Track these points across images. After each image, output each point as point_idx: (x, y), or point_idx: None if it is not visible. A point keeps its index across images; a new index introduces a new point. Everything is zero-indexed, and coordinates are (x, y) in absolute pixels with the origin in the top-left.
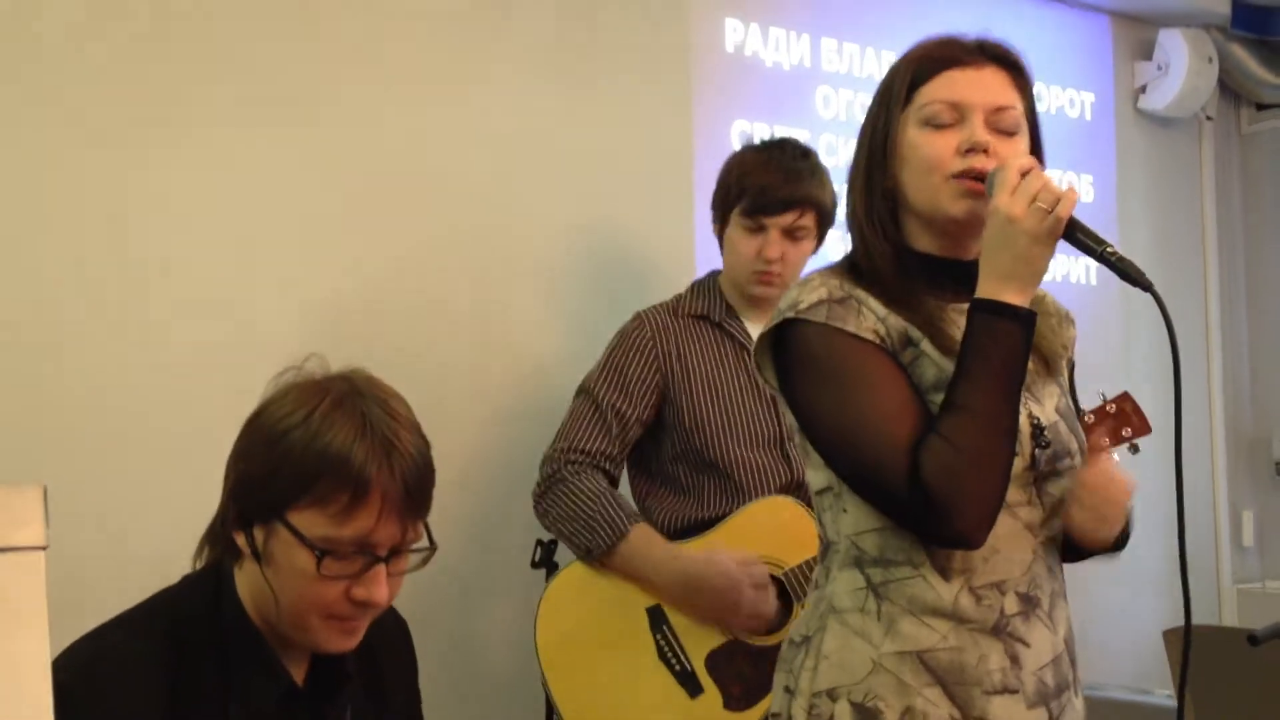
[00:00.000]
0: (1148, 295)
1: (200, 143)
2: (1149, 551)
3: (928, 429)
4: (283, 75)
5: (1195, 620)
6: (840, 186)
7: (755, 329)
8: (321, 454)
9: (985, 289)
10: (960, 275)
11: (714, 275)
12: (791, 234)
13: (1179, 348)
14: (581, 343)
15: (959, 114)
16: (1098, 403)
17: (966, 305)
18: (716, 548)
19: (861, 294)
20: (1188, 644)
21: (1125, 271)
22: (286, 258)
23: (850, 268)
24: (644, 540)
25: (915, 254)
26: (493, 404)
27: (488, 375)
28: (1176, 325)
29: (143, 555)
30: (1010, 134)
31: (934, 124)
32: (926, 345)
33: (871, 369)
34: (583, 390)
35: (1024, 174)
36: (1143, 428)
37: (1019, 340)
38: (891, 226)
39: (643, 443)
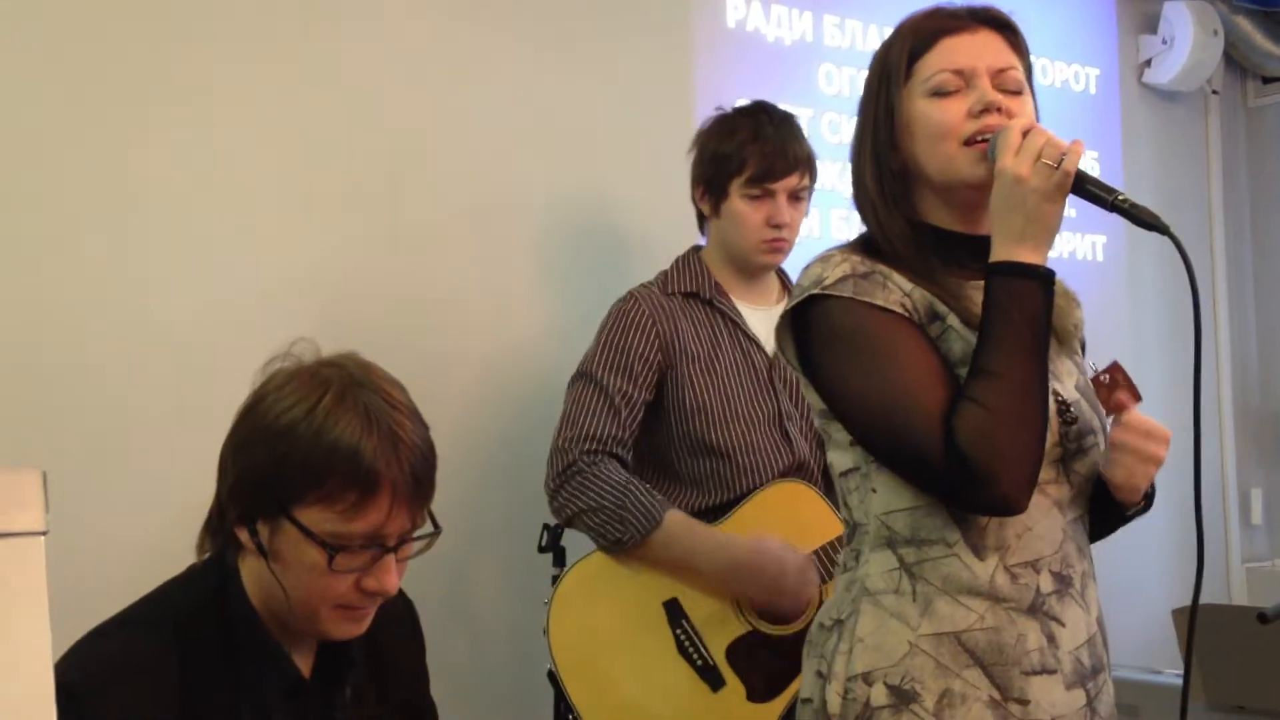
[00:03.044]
0: (1152, 270)
1: (195, 126)
2: (1156, 530)
3: (959, 396)
4: (278, 52)
5: (1205, 598)
6: (835, 166)
7: (744, 306)
8: (329, 451)
9: (1000, 252)
10: (978, 251)
11: (696, 251)
12: (795, 196)
13: (1199, 291)
14: (579, 320)
15: (964, 80)
16: (1089, 374)
17: (981, 282)
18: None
19: (885, 269)
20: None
21: (1139, 218)
22: (282, 239)
23: (866, 246)
24: (681, 527)
25: (931, 229)
26: (488, 383)
27: (484, 353)
28: (1182, 303)
29: (142, 541)
30: (1017, 93)
31: (940, 93)
32: (952, 319)
33: (899, 340)
34: (583, 375)
35: (1025, 133)
36: (1134, 396)
37: (1040, 298)
38: (906, 204)
39: None
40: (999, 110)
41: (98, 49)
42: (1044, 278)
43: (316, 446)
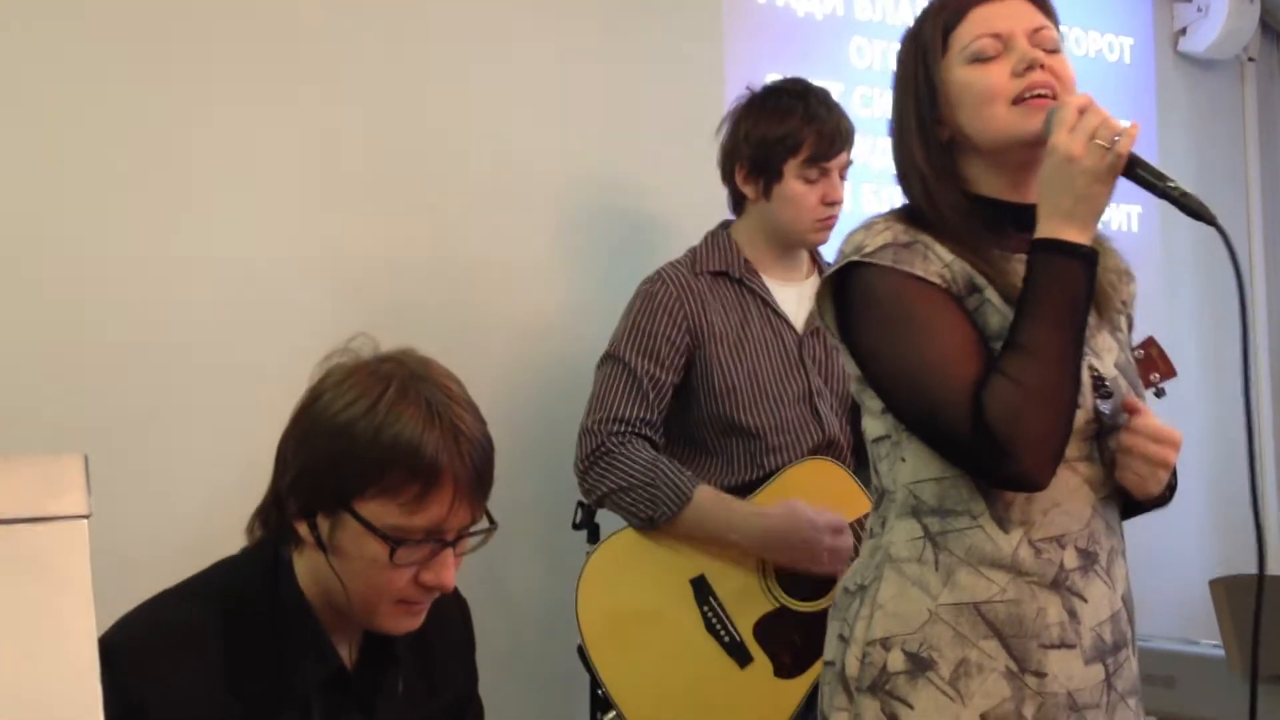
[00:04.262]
0: (1188, 242)
1: (229, 111)
2: (1194, 501)
3: (990, 369)
4: (311, 34)
5: (1244, 569)
6: (866, 140)
7: (774, 283)
8: (391, 445)
9: (1046, 229)
10: (1026, 221)
11: (725, 227)
12: (842, 173)
13: (1245, 284)
14: (610, 297)
15: (1003, 44)
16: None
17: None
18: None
19: (928, 239)
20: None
21: (1189, 207)
22: (315, 222)
23: (910, 215)
24: (712, 501)
25: (980, 199)
26: (519, 361)
27: (516, 332)
28: (1219, 273)
29: (185, 525)
30: (1054, 51)
31: (981, 58)
32: (991, 293)
33: (935, 311)
34: (611, 357)
35: (1082, 111)
36: (1169, 371)
37: (1082, 278)
38: (955, 176)
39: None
40: (1042, 67)
41: (143, 44)
42: (1087, 257)
43: (378, 440)
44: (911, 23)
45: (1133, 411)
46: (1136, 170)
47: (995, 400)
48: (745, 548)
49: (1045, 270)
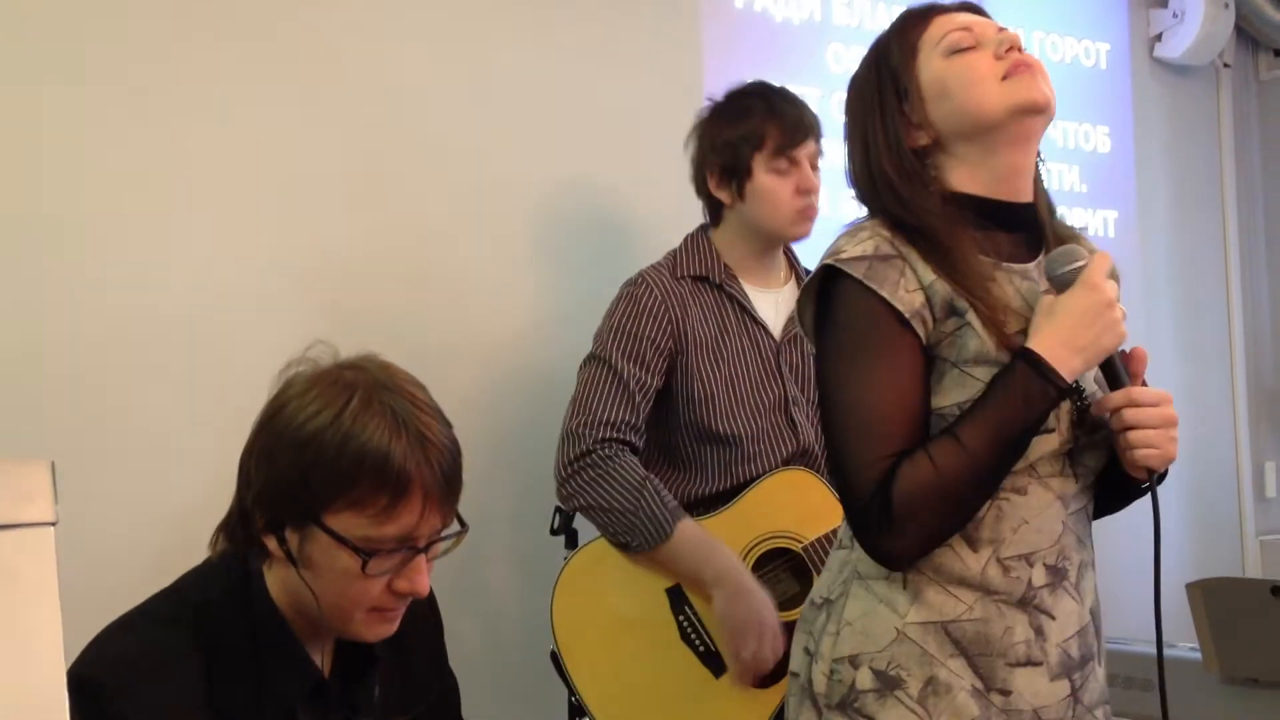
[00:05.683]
0: (1165, 246)
1: (197, 120)
2: (1171, 505)
3: (920, 446)
4: (280, 42)
5: (1219, 572)
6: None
7: (753, 289)
8: (358, 456)
9: (1051, 348)
10: (1012, 220)
11: (705, 231)
12: (813, 164)
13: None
14: (586, 303)
15: (975, 38)
16: None
17: (1018, 266)
18: (735, 525)
19: (912, 255)
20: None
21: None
22: (286, 230)
23: (896, 224)
24: (690, 543)
25: (961, 198)
26: (495, 366)
27: (491, 337)
28: (1195, 277)
29: (151, 532)
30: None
31: (957, 49)
32: (972, 316)
33: (888, 355)
34: (596, 358)
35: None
36: (1139, 372)
37: (1049, 407)
38: (928, 179)
39: None
40: (1020, 51)
41: (108, 46)
42: (1063, 394)
43: (345, 452)
44: (878, 35)
45: (1108, 407)
46: (1115, 359)
47: (909, 479)
48: (707, 594)
49: (1022, 383)
